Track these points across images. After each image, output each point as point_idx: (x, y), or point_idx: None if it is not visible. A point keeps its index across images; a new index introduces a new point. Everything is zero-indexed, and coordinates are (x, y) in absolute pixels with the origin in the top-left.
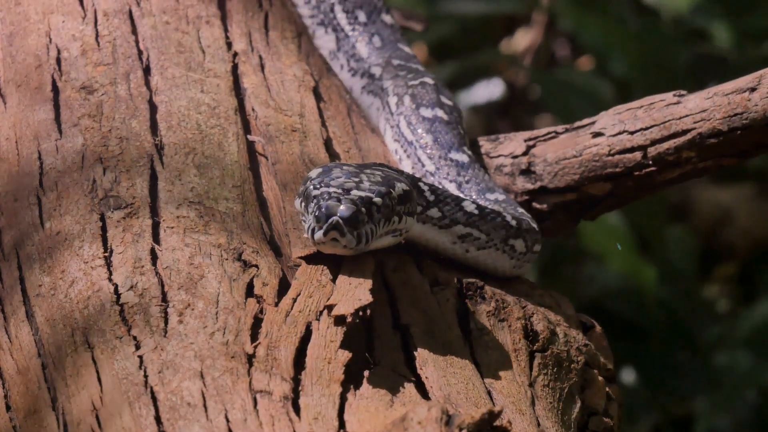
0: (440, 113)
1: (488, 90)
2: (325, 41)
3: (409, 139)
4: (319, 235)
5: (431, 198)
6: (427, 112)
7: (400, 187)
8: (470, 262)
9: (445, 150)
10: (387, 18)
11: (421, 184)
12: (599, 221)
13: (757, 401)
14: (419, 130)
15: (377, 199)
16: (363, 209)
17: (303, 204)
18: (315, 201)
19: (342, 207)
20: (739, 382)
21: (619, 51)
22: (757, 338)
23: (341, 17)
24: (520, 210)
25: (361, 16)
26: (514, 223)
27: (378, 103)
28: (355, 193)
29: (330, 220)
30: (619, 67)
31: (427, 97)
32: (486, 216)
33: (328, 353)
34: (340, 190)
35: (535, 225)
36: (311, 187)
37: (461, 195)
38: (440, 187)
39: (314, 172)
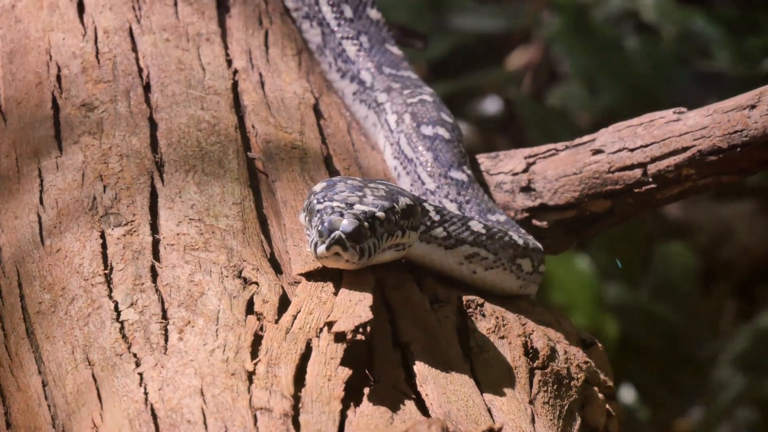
0: (441, 131)
1: (486, 107)
2: (311, 35)
3: (409, 156)
4: (321, 249)
5: (436, 218)
6: (427, 130)
7: (404, 201)
8: (477, 283)
9: (445, 168)
10: (373, 13)
11: (426, 204)
12: (568, 269)
13: (755, 417)
14: (420, 148)
15: (380, 214)
16: (366, 224)
17: (307, 218)
18: (318, 215)
19: (345, 222)
20: (737, 398)
21: (609, 81)
22: (756, 354)
23: (326, 11)
24: (522, 231)
25: (347, 11)
26: (521, 242)
27: (374, 118)
28: (358, 207)
29: (332, 235)
30: (608, 99)
31: (428, 115)
32: (494, 235)
33: (328, 370)
34: (343, 205)
35: (539, 245)
36: (315, 201)
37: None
38: (444, 207)
39: (318, 186)
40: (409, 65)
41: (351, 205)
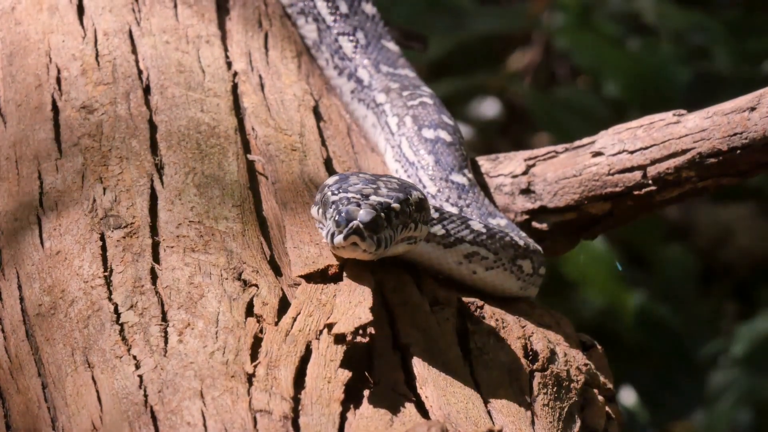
0: (443, 134)
1: (486, 109)
2: (307, 31)
3: (410, 159)
4: (339, 239)
5: (435, 215)
6: (429, 133)
7: (416, 194)
8: (477, 284)
9: (446, 172)
10: (368, 8)
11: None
12: (583, 247)
13: (754, 419)
14: (421, 151)
15: (396, 205)
16: (382, 214)
17: (320, 211)
18: (334, 206)
19: (362, 212)
20: (736, 400)
21: (614, 73)
22: (755, 356)
23: (321, 6)
24: (523, 234)
25: (342, 7)
26: (521, 243)
27: (373, 118)
28: (373, 198)
29: (350, 225)
30: (614, 89)
31: (429, 117)
32: (494, 235)
33: (328, 372)
34: (358, 196)
35: (539, 248)
36: (329, 193)
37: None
38: (443, 207)
39: (331, 180)
40: (407, 62)
41: (367, 196)
